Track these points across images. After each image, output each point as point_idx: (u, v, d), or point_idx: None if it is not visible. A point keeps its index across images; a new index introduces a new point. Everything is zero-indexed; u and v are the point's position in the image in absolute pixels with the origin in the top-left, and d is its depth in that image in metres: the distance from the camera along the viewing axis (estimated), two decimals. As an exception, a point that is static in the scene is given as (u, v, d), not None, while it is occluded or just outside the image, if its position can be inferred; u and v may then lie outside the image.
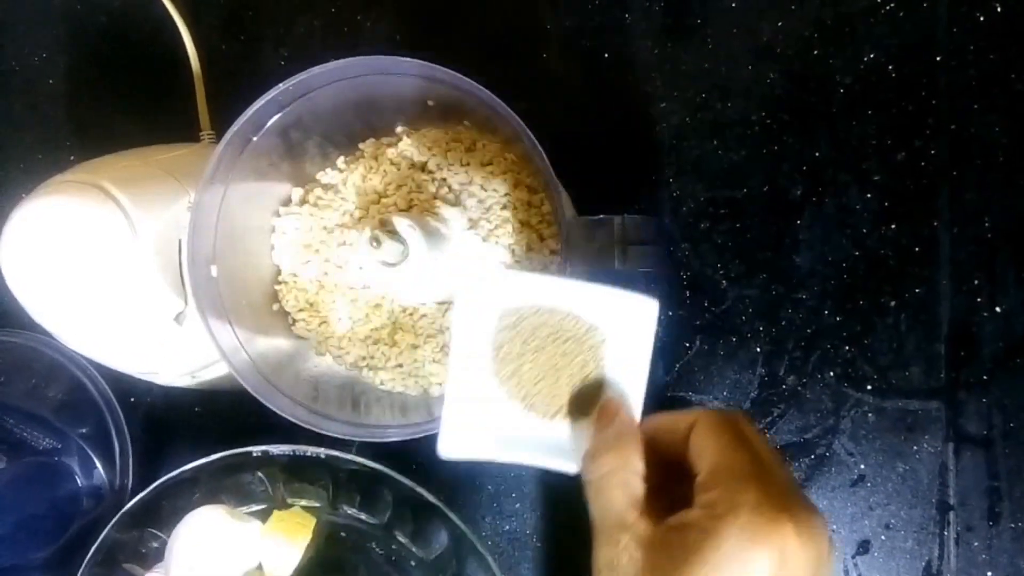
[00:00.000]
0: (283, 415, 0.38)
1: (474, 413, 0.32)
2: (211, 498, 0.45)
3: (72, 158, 0.55)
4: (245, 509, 0.46)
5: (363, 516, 0.46)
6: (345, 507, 0.46)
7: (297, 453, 0.44)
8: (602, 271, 0.38)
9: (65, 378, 0.52)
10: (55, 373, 0.52)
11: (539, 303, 0.32)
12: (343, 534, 0.46)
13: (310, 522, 0.44)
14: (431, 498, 0.44)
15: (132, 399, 0.53)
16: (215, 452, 0.53)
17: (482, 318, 0.32)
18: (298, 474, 0.46)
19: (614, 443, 0.31)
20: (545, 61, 0.52)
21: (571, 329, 0.32)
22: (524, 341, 0.32)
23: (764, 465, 0.29)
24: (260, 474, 0.46)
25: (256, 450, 0.44)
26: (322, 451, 0.44)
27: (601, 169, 0.52)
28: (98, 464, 0.52)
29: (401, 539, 0.46)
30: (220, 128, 0.51)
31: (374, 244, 0.39)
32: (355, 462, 0.44)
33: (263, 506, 0.46)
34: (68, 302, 0.37)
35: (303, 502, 0.46)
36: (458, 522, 0.44)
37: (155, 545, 0.47)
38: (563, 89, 0.52)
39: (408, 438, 0.39)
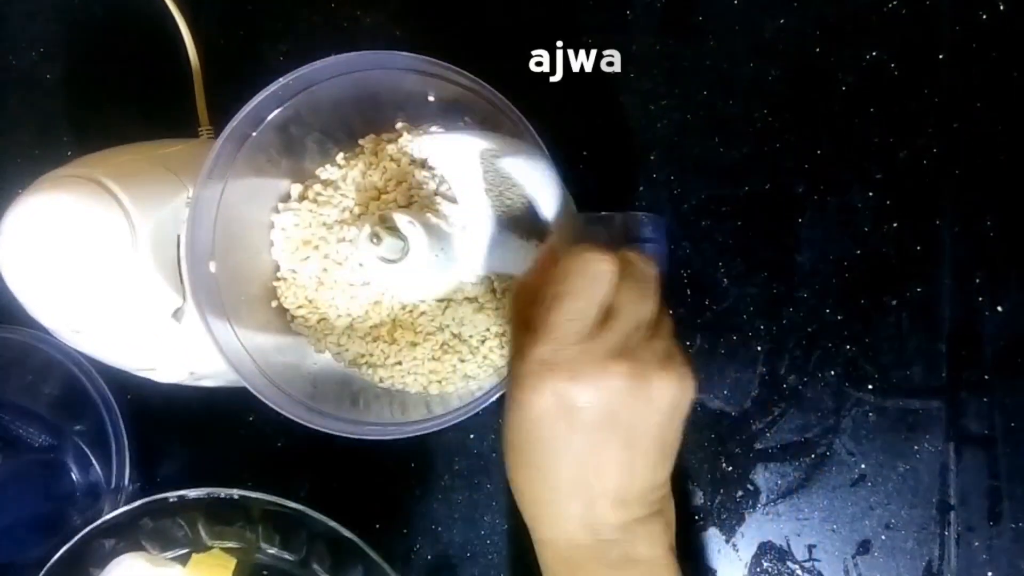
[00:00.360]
0: (283, 413, 0.38)
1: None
2: (133, 545, 0.46)
3: (69, 153, 0.55)
4: (169, 554, 0.47)
5: (284, 555, 0.46)
6: (265, 546, 0.46)
7: (212, 495, 0.45)
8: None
9: (61, 375, 0.51)
10: (51, 370, 0.51)
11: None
12: (265, 573, 0.47)
13: (229, 563, 0.45)
14: (346, 533, 0.45)
15: (129, 396, 0.52)
16: (212, 450, 0.53)
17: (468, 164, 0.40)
18: (217, 516, 0.46)
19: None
20: (545, 58, 0.52)
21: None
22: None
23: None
24: (179, 519, 0.46)
25: (172, 496, 0.45)
26: (235, 492, 0.45)
27: (602, 166, 0.51)
28: (94, 461, 0.51)
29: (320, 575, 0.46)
30: (219, 123, 0.51)
31: (374, 240, 0.38)
32: (271, 502, 0.45)
33: (186, 550, 0.47)
34: (65, 298, 0.37)
35: (224, 543, 0.46)
36: (374, 556, 0.44)
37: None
38: (564, 86, 0.52)
39: (408, 436, 0.38)
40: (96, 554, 0.46)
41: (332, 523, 0.44)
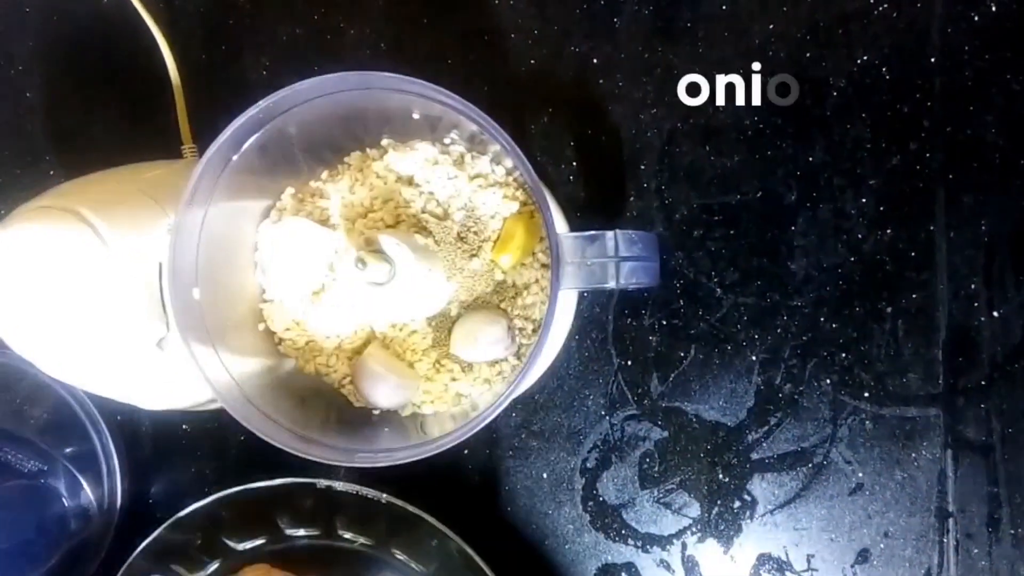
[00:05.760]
0: (273, 443, 0.37)
1: None
2: (216, 534, 0.49)
3: (52, 173, 0.54)
4: (249, 544, 0.50)
5: (362, 539, 0.47)
6: (343, 532, 0.47)
7: (359, 492, 0.47)
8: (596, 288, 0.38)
9: (50, 398, 0.51)
10: (39, 393, 0.51)
11: None
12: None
13: None
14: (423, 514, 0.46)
15: (119, 417, 0.52)
16: (203, 470, 0.52)
17: None
18: (291, 507, 0.48)
19: None
20: (534, 67, 0.51)
21: None
22: None
23: None
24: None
25: (321, 483, 0.47)
26: (321, 481, 0.46)
27: (592, 176, 0.51)
28: (85, 485, 0.51)
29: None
30: (203, 140, 0.50)
31: (360, 266, 0.38)
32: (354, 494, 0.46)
33: (262, 540, 0.49)
34: (46, 332, 0.36)
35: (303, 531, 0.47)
36: (451, 535, 0.45)
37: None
38: (552, 95, 0.51)
39: (398, 463, 0.38)
40: (175, 548, 0.48)
41: (407, 505, 0.47)
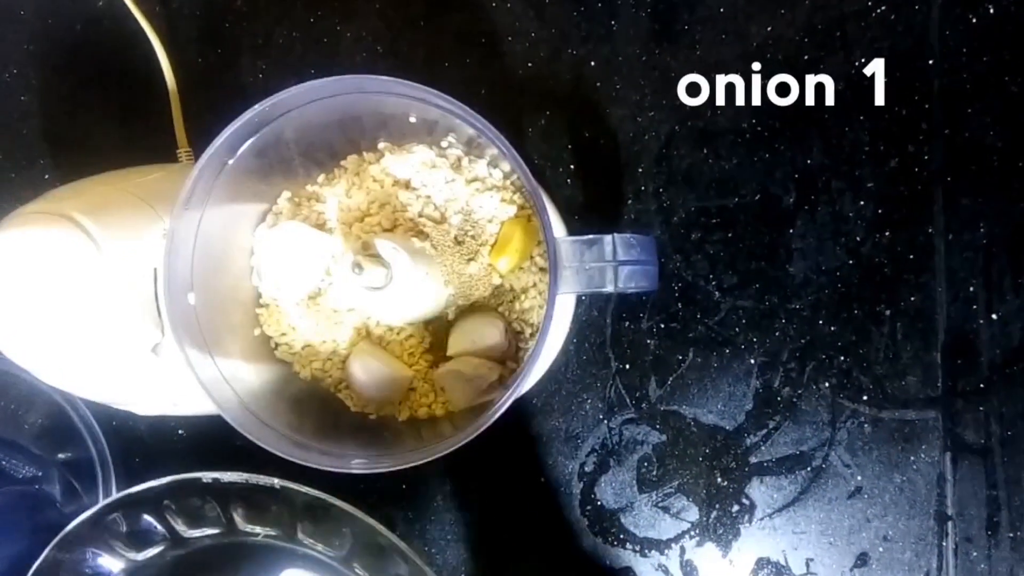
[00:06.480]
0: (268, 449, 0.37)
1: None
2: (159, 521, 0.45)
3: (47, 176, 0.54)
4: (197, 532, 0.46)
5: (323, 548, 0.45)
6: (303, 537, 0.45)
7: (250, 482, 0.43)
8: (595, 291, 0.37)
9: (44, 404, 0.50)
10: (34, 399, 0.51)
11: None
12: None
13: None
14: (387, 533, 0.43)
15: (114, 423, 0.51)
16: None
17: None
18: (252, 502, 0.45)
19: None
20: (531, 70, 0.51)
21: None
22: None
23: None
24: (212, 500, 0.44)
25: (207, 476, 0.43)
26: (276, 481, 0.42)
27: (590, 179, 0.51)
28: (81, 491, 0.51)
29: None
30: (198, 144, 0.50)
31: (356, 271, 0.37)
32: (313, 496, 0.42)
33: (217, 530, 0.45)
34: (41, 338, 0.36)
35: (258, 528, 0.45)
36: (412, 555, 0.43)
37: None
38: (550, 98, 0.51)
39: (396, 468, 0.38)
40: (114, 528, 0.45)
41: (376, 524, 0.42)
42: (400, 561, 0.43)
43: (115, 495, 0.44)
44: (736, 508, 0.50)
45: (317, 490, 0.42)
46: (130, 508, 0.44)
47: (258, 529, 0.45)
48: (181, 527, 0.46)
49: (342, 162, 0.45)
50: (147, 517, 0.45)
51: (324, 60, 0.52)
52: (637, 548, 0.50)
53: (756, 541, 0.50)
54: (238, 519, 0.45)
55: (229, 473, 0.43)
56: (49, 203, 0.36)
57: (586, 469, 0.51)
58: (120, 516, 0.45)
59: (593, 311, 0.50)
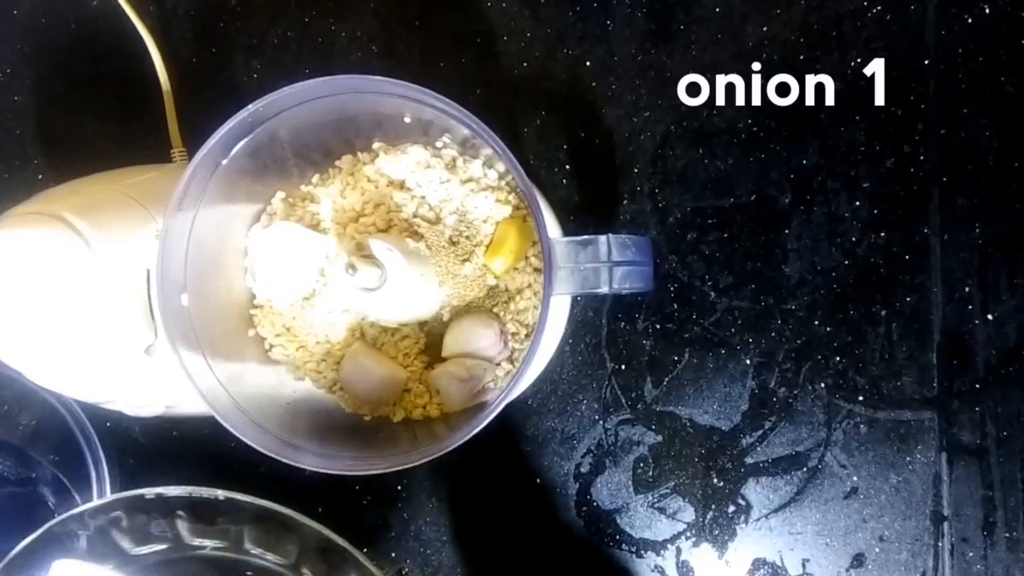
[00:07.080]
0: (261, 450, 0.37)
1: None
2: (105, 539, 0.44)
3: (40, 177, 0.54)
4: (146, 549, 0.44)
5: (271, 557, 0.44)
6: (250, 547, 0.44)
7: (194, 496, 0.43)
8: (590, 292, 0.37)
9: (37, 405, 0.50)
10: (26, 400, 0.50)
11: None
12: (249, 574, 0.45)
13: None
14: (338, 539, 0.42)
15: (108, 424, 0.51)
16: (194, 476, 0.51)
17: None
18: (199, 516, 0.44)
19: None
20: (526, 70, 0.51)
21: None
22: None
23: None
24: (157, 516, 0.44)
25: (150, 492, 0.43)
26: (220, 492, 0.42)
27: (585, 179, 0.51)
28: (74, 493, 0.50)
29: None
30: (192, 143, 0.50)
31: (350, 272, 0.37)
32: (258, 506, 0.42)
33: (164, 546, 0.44)
34: (33, 340, 0.36)
35: (206, 542, 0.44)
36: (367, 563, 0.42)
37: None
38: (545, 98, 0.51)
39: (391, 470, 0.37)
40: (66, 546, 0.43)
41: (324, 529, 0.42)
42: (351, 567, 0.43)
43: (58, 516, 0.43)
44: (732, 509, 0.50)
45: (263, 500, 0.42)
46: (79, 527, 0.43)
47: (206, 542, 0.45)
48: (127, 544, 0.45)
49: (336, 162, 0.45)
50: (93, 537, 0.44)
51: (319, 60, 0.52)
52: (633, 549, 0.50)
53: (752, 542, 0.50)
54: (184, 533, 0.44)
55: (172, 488, 0.42)
56: (42, 203, 0.36)
57: (582, 470, 0.50)
58: (78, 532, 0.44)
59: (589, 312, 0.50)
